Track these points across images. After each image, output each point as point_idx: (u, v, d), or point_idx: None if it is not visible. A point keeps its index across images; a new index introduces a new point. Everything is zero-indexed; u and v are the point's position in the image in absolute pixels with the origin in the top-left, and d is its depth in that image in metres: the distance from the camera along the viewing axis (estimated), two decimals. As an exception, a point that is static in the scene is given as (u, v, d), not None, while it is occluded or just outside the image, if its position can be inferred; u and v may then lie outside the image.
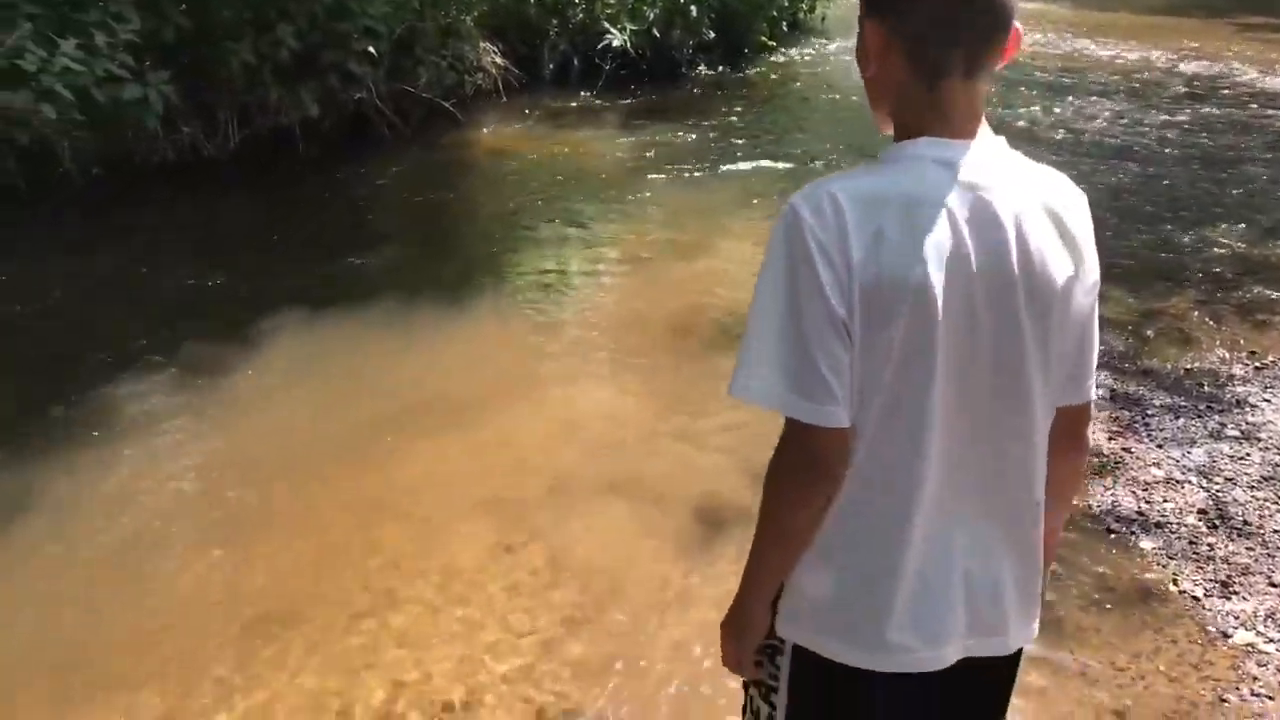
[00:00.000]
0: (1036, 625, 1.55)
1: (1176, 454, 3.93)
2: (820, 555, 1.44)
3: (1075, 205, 1.41)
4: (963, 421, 1.40)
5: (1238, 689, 2.79)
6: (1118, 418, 4.19)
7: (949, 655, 1.48)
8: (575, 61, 10.32)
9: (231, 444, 3.97)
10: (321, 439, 4.00)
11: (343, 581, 3.19)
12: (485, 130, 8.74)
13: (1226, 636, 3.01)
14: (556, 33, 10.14)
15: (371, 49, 7.55)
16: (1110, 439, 4.05)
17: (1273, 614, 3.10)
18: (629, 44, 10.22)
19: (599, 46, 10.23)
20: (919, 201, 1.32)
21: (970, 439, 1.42)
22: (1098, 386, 1.59)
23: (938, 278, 1.32)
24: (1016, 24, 1.34)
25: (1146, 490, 3.74)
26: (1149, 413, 4.23)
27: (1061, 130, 9.07)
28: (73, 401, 4.18)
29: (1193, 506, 3.58)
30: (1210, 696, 2.78)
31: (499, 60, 9.51)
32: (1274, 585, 3.21)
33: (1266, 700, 2.76)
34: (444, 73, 8.54)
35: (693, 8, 10.74)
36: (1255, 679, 2.83)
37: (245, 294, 5.27)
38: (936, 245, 1.32)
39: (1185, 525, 3.53)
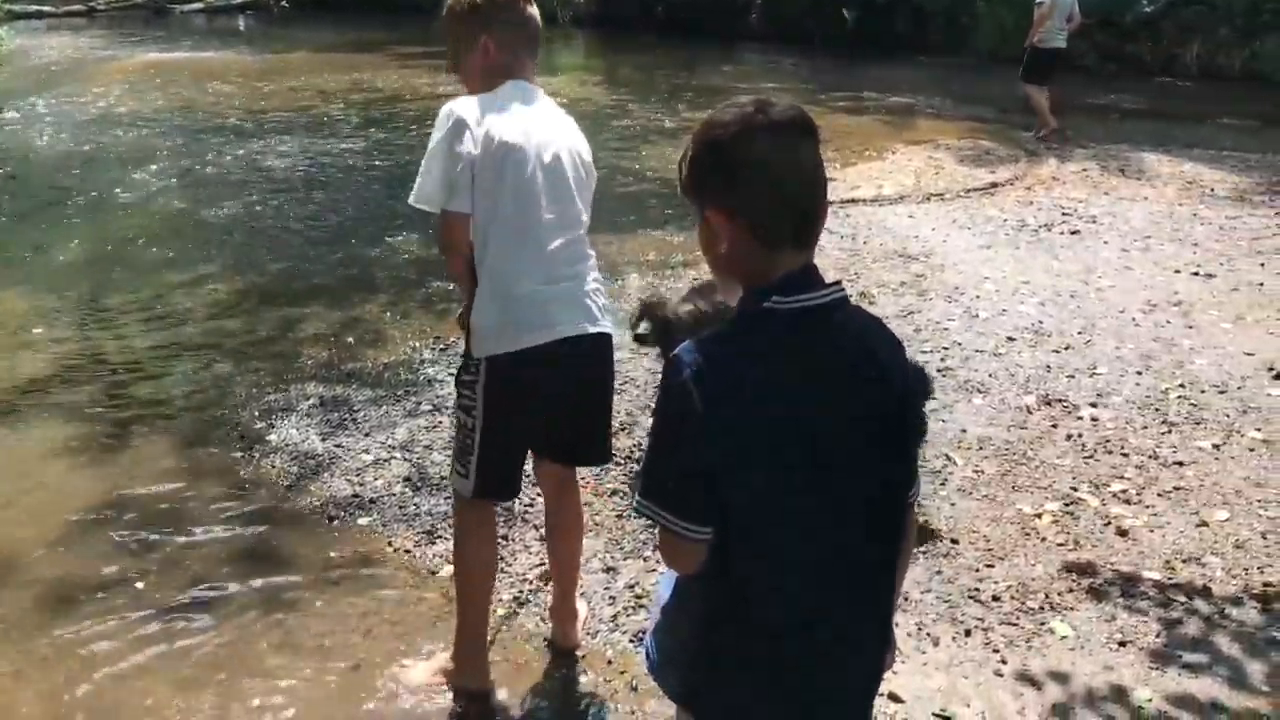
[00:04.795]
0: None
1: (382, 437, 4.39)
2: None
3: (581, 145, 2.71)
4: (548, 214, 2.64)
5: (448, 613, 3.11)
6: (328, 419, 4.60)
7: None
8: None
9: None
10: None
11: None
12: None
13: (434, 574, 3.47)
14: None
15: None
16: (323, 439, 4.42)
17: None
18: None
19: None
20: (504, 108, 2.60)
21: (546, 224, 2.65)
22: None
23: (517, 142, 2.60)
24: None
25: (359, 475, 4.10)
26: (355, 408, 4.65)
27: (254, 171, 9.42)
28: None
29: (399, 477, 4.07)
30: (430, 619, 3.23)
31: None
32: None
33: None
34: None
35: None
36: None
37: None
38: (522, 130, 2.61)
39: (394, 494, 3.95)
